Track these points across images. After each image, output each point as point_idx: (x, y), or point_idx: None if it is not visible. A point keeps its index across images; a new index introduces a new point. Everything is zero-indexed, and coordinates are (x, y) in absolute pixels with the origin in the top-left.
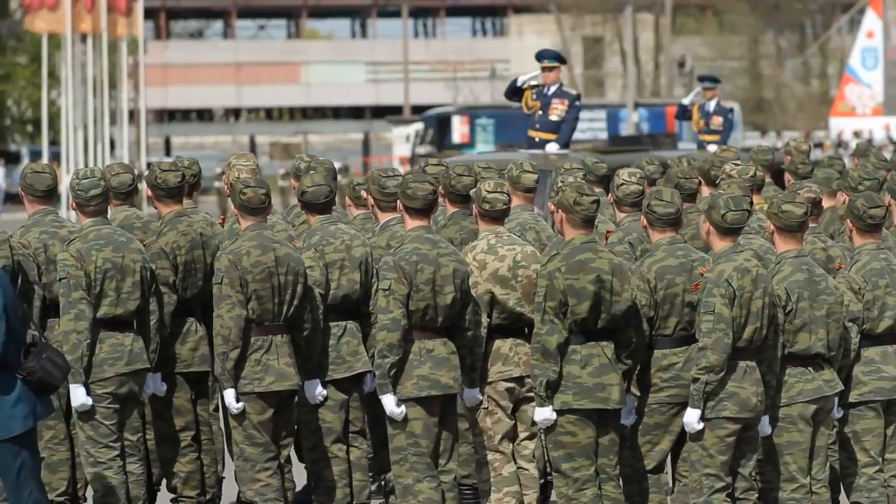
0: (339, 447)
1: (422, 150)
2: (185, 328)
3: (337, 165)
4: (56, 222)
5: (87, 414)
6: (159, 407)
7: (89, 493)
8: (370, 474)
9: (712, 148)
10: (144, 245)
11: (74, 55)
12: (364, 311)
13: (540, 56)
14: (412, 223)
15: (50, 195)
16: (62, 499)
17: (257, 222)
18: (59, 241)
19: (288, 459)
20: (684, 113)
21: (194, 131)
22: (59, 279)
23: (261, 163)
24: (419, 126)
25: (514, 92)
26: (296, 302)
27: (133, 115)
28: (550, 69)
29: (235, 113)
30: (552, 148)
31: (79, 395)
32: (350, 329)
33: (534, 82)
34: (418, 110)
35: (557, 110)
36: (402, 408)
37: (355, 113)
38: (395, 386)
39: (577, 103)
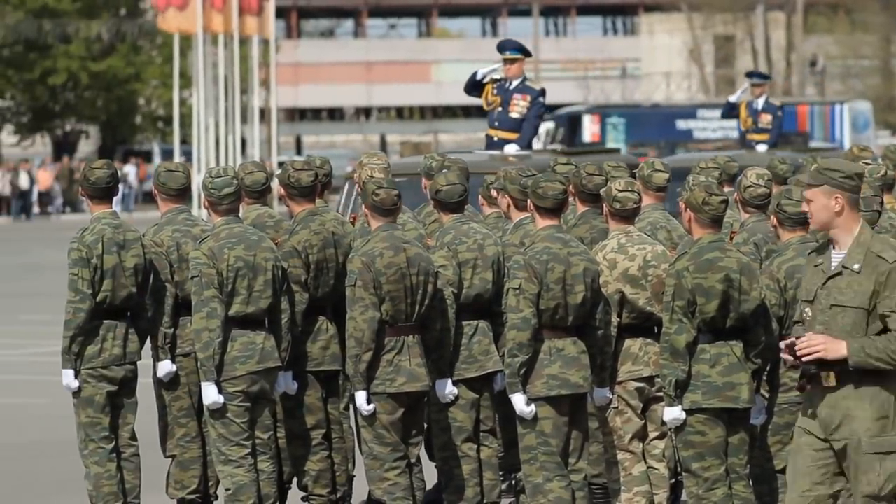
0: (469, 446)
1: (552, 148)
2: (317, 327)
3: None
4: (189, 221)
5: (219, 412)
6: (290, 405)
7: (220, 490)
8: (500, 473)
9: (761, 147)
10: (276, 244)
11: (206, 54)
12: (496, 310)
13: (501, 47)
14: (543, 222)
15: (183, 194)
16: (193, 496)
17: (388, 223)
18: (191, 240)
19: (418, 459)
20: (731, 111)
21: (325, 130)
22: (192, 277)
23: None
24: (550, 125)
25: (474, 86)
26: (426, 302)
27: (264, 114)
28: (513, 61)
29: (366, 112)
30: (511, 149)
31: (210, 394)
32: (481, 328)
33: (496, 76)
34: (549, 109)
35: (518, 107)
36: (532, 407)
37: (485, 111)
38: (525, 385)
39: (541, 99)
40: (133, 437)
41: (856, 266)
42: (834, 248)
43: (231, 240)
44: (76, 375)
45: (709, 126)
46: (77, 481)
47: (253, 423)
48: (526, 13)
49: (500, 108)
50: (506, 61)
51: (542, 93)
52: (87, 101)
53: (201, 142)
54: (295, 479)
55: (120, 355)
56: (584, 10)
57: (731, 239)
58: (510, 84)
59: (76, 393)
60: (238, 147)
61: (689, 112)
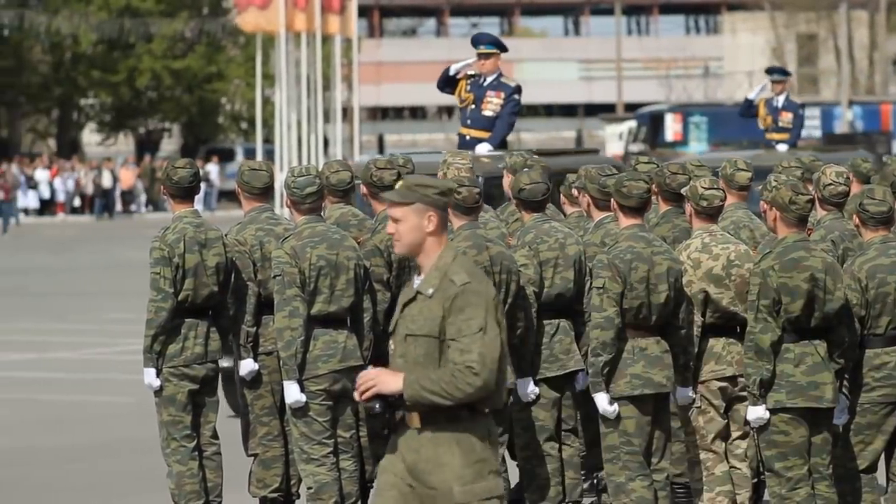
0: (551, 445)
1: (634, 147)
2: None
3: None
4: (272, 220)
5: (301, 411)
6: None
7: (303, 489)
8: (582, 472)
9: (782, 147)
10: (359, 242)
11: (288, 53)
12: (577, 309)
13: (476, 41)
14: (626, 221)
15: (266, 193)
16: (275, 495)
17: (470, 221)
18: (274, 239)
19: (503, 459)
20: (749, 109)
21: (407, 129)
22: (274, 276)
23: None
24: (632, 124)
25: (447, 82)
26: (509, 300)
27: (346, 112)
28: (488, 56)
29: (448, 111)
30: (483, 149)
31: (293, 392)
32: (563, 327)
33: (470, 71)
34: (631, 108)
35: (492, 104)
36: (615, 406)
37: (568, 111)
38: (608, 384)
39: (517, 97)
40: (215, 436)
41: (429, 291)
42: (419, 273)
43: (313, 239)
44: (158, 374)
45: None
46: (159, 479)
47: (335, 422)
48: (608, 12)
49: (472, 106)
50: (480, 56)
51: (518, 90)
52: (170, 101)
53: (284, 141)
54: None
55: (201, 354)
56: (667, 9)
57: (808, 237)
58: (484, 80)
59: (158, 391)
60: (320, 146)
61: None
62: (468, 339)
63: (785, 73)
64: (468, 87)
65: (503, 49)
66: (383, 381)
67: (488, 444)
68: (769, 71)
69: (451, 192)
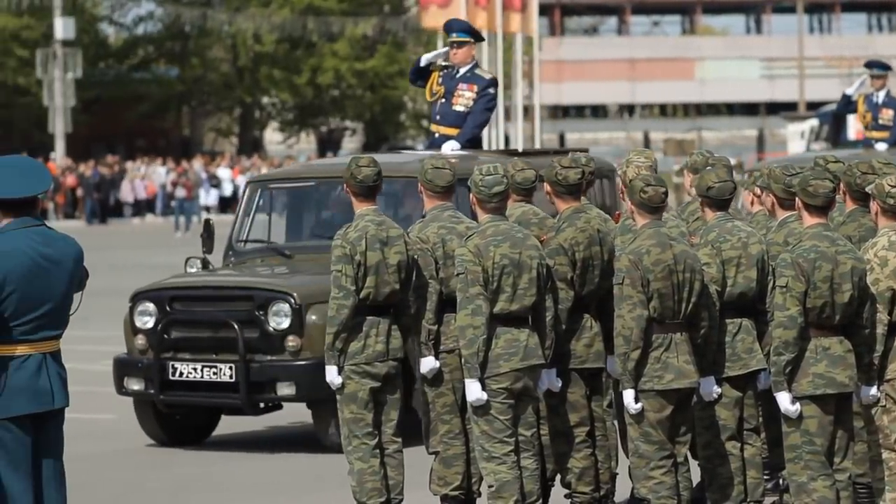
0: (733, 444)
1: (816, 146)
2: (581, 324)
3: (731, 162)
4: (454, 218)
5: (483, 409)
6: (554, 402)
7: (483, 487)
8: (766, 472)
9: (881, 146)
10: (542, 241)
11: None
12: (759, 308)
13: (448, 28)
14: (810, 220)
15: (449, 191)
16: (457, 493)
17: (654, 220)
18: (456, 237)
19: (686, 458)
20: (847, 105)
21: (588, 127)
22: (457, 274)
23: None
24: (814, 122)
25: (419, 74)
26: (693, 299)
27: (527, 111)
28: (460, 45)
29: (629, 109)
30: (450, 147)
31: (474, 390)
32: (745, 326)
33: (442, 62)
34: (813, 106)
35: (463, 98)
36: (797, 405)
37: (749, 109)
38: (791, 383)
39: (491, 90)
40: (396, 434)
41: None
42: None
43: (497, 237)
44: (340, 371)
45: None
46: (337, 478)
47: (516, 421)
48: (790, 10)
49: (443, 100)
50: (452, 45)
51: (493, 83)
52: (353, 100)
53: None
54: (558, 477)
55: (383, 351)
56: (849, 7)
57: None
58: (457, 72)
59: (340, 389)
60: (501, 144)
61: None
62: None
63: (885, 67)
64: (440, 80)
65: (479, 38)
66: None
67: None
68: (869, 65)
69: None
